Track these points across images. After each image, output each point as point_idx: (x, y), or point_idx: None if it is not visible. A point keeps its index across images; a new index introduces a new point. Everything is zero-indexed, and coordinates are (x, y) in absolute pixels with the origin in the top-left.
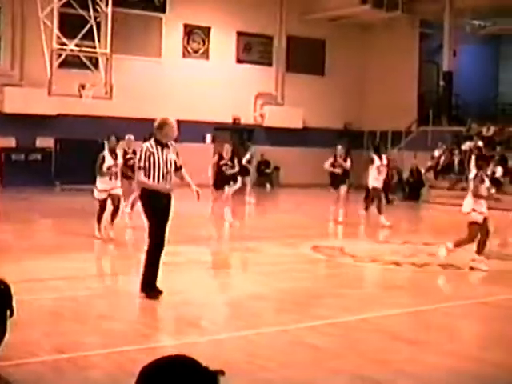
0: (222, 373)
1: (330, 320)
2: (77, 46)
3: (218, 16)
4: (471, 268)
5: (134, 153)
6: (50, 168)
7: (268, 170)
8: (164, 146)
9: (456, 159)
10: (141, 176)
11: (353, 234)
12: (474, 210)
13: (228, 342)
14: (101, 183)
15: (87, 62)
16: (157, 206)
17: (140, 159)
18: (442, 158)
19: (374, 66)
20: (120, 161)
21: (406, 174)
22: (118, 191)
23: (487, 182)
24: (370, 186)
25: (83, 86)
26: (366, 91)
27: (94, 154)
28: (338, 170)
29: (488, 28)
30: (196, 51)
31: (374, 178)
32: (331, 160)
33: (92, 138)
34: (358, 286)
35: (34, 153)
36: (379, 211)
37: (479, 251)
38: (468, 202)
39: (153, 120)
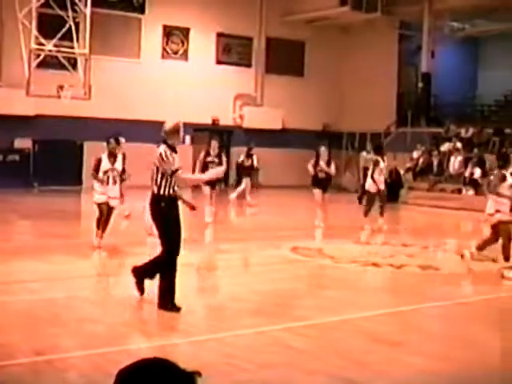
0: (199, 374)
1: (309, 321)
2: (55, 46)
3: (197, 17)
4: (503, 276)
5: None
6: (29, 169)
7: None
8: (175, 151)
9: (435, 160)
10: (183, 175)
11: (332, 235)
12: (498, 211)
13: (207, 344)
14: (99, 187)
15: (66, 63)
16: (174, 212)
17: (169, 162)
18: (421, 160)
19: (353, 67)
20: (120, 166)
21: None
22: (114, 202)
23: (510, 180)
24: (374, 189)
25: (62, 87)
26: (344, 92)
27: (72, 155)
28: (321, 175)
29: (467, 30)
30: (175, 52)
31: (377, 181)
32: (313, 161)
33: (71, 138)
34: (337, 287)
35: (12, 154)
36: (381, 214)
37: (508, 257)
38: (491, 204)
39: (132, 121)
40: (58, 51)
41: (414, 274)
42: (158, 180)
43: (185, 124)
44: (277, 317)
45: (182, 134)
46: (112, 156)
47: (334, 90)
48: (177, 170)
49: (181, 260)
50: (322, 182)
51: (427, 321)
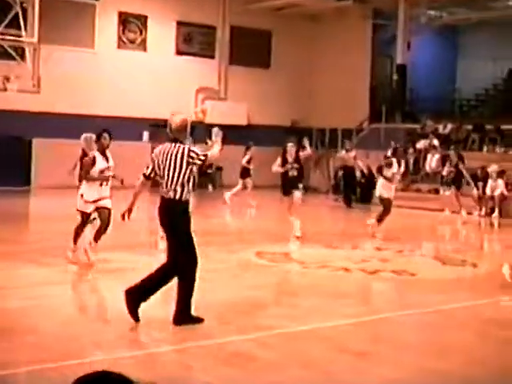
0: None
1: (274, 331)
2: (1, 34)
3: (155, 4)
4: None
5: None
6: None
7: (210, 170)
8: None
9: (410, 159)
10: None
11: (300, 239)
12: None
13: (165, 355)
14: (89, 191)
15: (12, 52)
16: (190, 219)
17: (205, 154)
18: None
19: (324, 59)
20: (112, 163)
21: (357, 174)
22: (108, 203)
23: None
24: (386, 196)
25: (7, 79)
26: (314, 86)
27: (19, 152)
28: (292, 173)
29: (444, 18)
30: (132, 42)
31: (387, 187)
32: (279, 160)
33: (18, 135)
34: (304, 294)
35: None
36: (381, 221)
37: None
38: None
39: (85, 116)
40: (4, 39)
41: (387, 279)
42: (185, 183)
43: (142, 119)
44: (240, 326)
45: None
46: (104, 153)
47: (302, 83)
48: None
49: (138, 266)
50: (292, 181)
51: (399, 329)
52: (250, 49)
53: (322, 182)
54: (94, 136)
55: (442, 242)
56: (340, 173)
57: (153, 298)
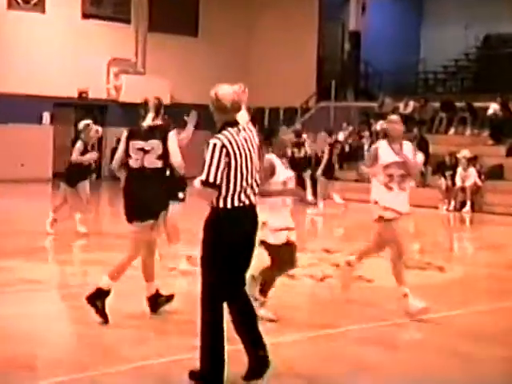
0: None
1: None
2: None
3: None
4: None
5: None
6: None
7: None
8: None
9: (366, 143)
10: None
11: None
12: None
13: None
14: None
15: None
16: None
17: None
18: (349, 142)
19: (263, 25)
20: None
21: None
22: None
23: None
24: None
25: None
26: (251, 57)
27: None
28: None
29: None
30: (27, 1)
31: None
32: None
33: None
34: None
35: None
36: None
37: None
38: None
39: None
40: None
41: (339, 287)
42: (254, 183)
43: (42, 98)
44: (162, 347)
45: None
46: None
47: (237, 55)
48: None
49: (36, 276)
50: None
51: (353, 347)
52: (174, 12)
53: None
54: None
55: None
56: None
57: (52, 314)
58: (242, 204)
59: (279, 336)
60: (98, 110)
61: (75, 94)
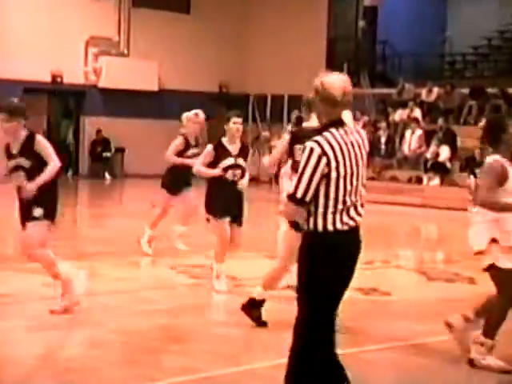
0: None
1: (197, 374)
2: None
3: None
4: None
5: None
6: None
7: (107, 154)
8: None
9: (383, 136)
10: None
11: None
12: (494, 242)
13: None
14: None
15: None
16: None
17: None
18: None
19: (263, 1)
20: None
21: None
22: None
23: None
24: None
25: None
26: (251, 38)
27: None
28: None
29: None
30: None
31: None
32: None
33: None
34: (237, 323)
35: None
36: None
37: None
38: (479, 228)
39: None
40: None
41: (351, 301)
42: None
43: (10, 82)
44: (150, 369)
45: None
46: None
47: (234, 35)
48: None
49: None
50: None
51: (369, 370)
52: None
53: (264, 169)
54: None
55: (428, 250)
56: None
57: (25, 331)
58: (345, 227)
59: (284, 356)
60: (74, 97)
61: (48, 78)
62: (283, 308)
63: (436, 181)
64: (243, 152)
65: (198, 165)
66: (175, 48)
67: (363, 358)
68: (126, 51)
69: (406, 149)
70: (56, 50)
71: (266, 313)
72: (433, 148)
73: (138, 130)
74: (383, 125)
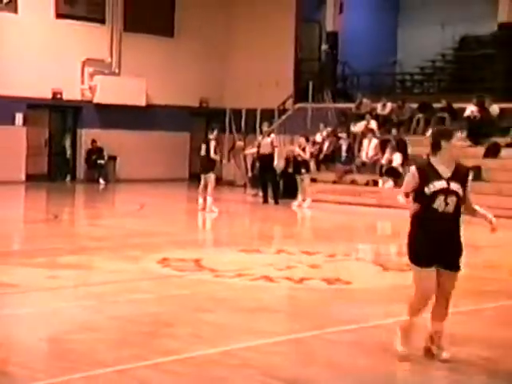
0: None
1: (182, 355)
2: None
3: None
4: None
5: None
6: None
7: (101, 161)
8: None
9: (343, 144)
10: None
11: (214, 242)
12: None
13: None
14: None
15: None
16: None
17: None
18: (326, 144)
19: (240, 26)
20: None
21: (279, 163)
22: None
23: None
24: None
25: None
26: (228, 58)
27: None
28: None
29: None
30: None
31: None
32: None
33: None
34: (217, 310)
35: None
36: None
37: None
38: None
39: None
40: None
41: (317, 289)
42: None
43: (15, 98)
44: (142, 350)
45: None
46: None
47: (213, 55)
48: None
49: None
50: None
51: (335, 350)
52: (150, 12)
53: (238, 173)
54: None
55: (383, 244)
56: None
57: (27, 317)
58: None
59: (258, 339)
60: (72, 112)
61: (49, 95)
62: (256, 296)
63: (390, 184)
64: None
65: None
66: (161, 68)
67: (327, 338)
68: (117, 71)
69: (363, 156)
70: (56, 71)
71: (242, 300)
72: (387, 155)
73: (129, 140)
74: (344, 135)
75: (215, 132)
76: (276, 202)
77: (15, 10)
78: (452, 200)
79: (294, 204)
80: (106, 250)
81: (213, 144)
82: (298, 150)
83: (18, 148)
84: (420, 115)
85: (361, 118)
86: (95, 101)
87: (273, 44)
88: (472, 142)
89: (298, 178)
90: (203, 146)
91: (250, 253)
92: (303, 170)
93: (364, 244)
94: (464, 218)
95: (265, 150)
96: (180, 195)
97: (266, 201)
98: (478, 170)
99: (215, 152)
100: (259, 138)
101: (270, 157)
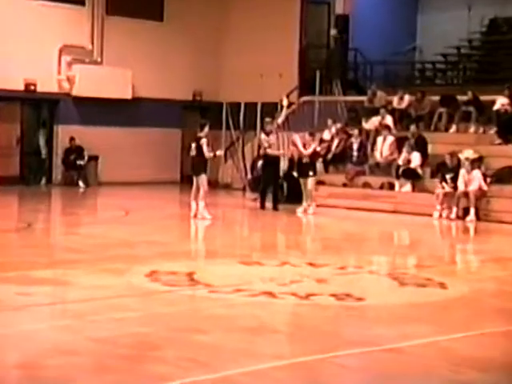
0: None
1: (172, 382)
2: None
3: None
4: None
5: None
6: None
7: (81, 161)
8: None
9: (355, 143)
10: None
11: (209, 252)
12: None
13: None
14: None
15: None
16: None
17: None
18: (335, 142)
19: (238, 8)
20: None
21: (283, 165)
22: None
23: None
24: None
25: None
26: (225, 45)
27: None
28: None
29: None
30: None
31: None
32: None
33: None
34: (213, 330)
35: None
36: None
37: None
38: None
39: None
40: None
41: (325, 307)
42: None
43: None
44: (125, 376)
45: None
46: None
47: (208, 43)
48: None
49: None
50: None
51: (342, 376)
52: None
53: (237, 176)
54: None
55: (400, 255)
56: (259, 163)
57: None
58: None
59: (259, 363)
60: (47, 105)
61: (21, 87)
62: (257, 314)
63: (407, 187)
64: None
65: None
66: (149, 56)
67: (335, 362)
68: (99, 59)
69: (377, 155)
70: (30, 59)
71: (241, 319)
72: (404, 154)
73: (112, 137)
74: (355, 132)
75: (206, 129)
76: (275, 208)
77: None
78: None
79: (299, 210)
80: (85, 263)
81: (204, 142)
82: (292, 148)
83: None
84: (442, 109)
85: (374, 112)
86: (74, 93)
87: (275, 28)
88: (502, 140)
89: (301, 180)
90: (193, 145)
91: (250, 265)
92: (311, 173)
93: (378, 255)
94: (488, 227)
95: (274, 149)
96: (170, 200)
97: (263, 206)
98: (508, 172)
99: (210, 151)
100: (263, 136)
101: (277, 156)
